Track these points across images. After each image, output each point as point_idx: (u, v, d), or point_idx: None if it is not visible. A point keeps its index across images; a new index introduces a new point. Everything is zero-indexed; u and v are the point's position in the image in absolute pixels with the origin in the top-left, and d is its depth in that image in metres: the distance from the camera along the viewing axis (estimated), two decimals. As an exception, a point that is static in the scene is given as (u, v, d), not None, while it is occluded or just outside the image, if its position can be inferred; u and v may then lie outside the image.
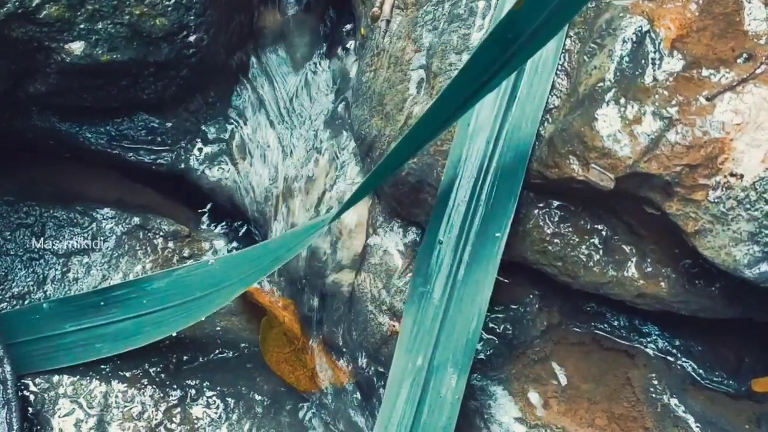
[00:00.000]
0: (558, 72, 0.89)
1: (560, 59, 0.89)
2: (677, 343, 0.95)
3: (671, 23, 0.81)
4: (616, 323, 0.97)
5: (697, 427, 0.91)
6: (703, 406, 0.92)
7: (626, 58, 0.81)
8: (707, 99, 0.78)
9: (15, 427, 0.87)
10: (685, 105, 0.78)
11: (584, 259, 0.89)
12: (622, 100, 0.80)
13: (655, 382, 0.93)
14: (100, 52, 1.01)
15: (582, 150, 0.81)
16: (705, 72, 0.79)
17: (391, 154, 0.85)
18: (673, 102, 0.78)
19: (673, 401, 0.92)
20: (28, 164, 1.17)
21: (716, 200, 0.77)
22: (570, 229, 0.89)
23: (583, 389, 0.94)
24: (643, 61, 0.81)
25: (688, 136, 0.77)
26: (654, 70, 0.80)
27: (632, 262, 0.88)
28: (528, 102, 0.89)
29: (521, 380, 0.96)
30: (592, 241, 0.89)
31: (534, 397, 0.94)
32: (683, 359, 0.95)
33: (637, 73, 0.81)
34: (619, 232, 0.88)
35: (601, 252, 0.89)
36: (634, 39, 0.81)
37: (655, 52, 0.80)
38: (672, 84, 0.79)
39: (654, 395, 0.93)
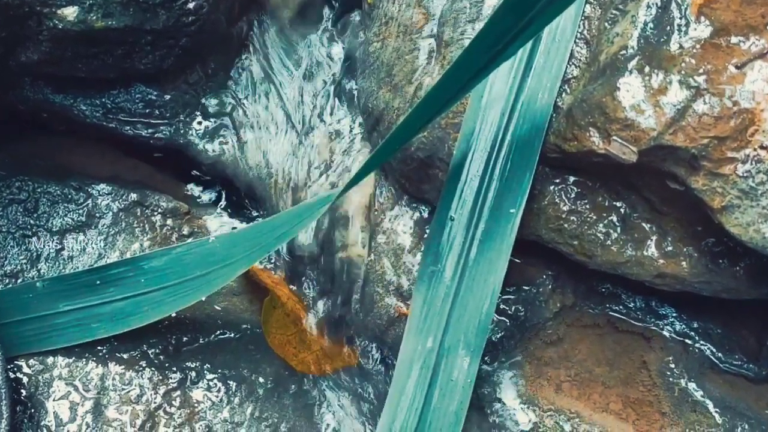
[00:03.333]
0: (577, 40, 0.86)
1: (579, 27, 0.86)
2: (695, 325, 0.94)
3: (698, -13, 0.78)
4: (631, 305, 0.96)
5: (715, 411, 0.90)
6: (722, 391, 0.91)
7: (650, 25, 0.78)
8: (736, 67, 0.75)
9: (5, 415, 0.85)
10: (714, 74, 0.75)
11: (602, 238, 0.87)
12: (647, 69, 0.77)
13: (672, 366, 0.92)
14: (94, 18, 0.98)
15: (603, 121, 0.78)
16: (734, 39, 0.76)
17: (400, 128, 0.82)
18: (701, 71, 0.75)
19: (691, 385, 0.91)
20: (19, 138, 1.14)
21: (745, 174, 0.74)
22: (587, 206, 0.87)
23: (597, 373, 0.93)
24: (668, 28, 0.77)
25: (716, 106, 0.74)
26: (680, 37, 0.77)
27: (652, 240, 0.85)
28: (545, 72, 0.86)
29: (533, 364, 0.94)
30: (610, 218, 0.87)
31: (546, 381, 0.93)
32: (701, 342, 0.94)
33: (662, 40, 0.77)
34: (638, 209, 0.86)
35: (619, 230, 0.86)
36: (659, 4, 0.78)
37: (681, 18, 0.77)
38: (699, 52, 0.76)
39: (671, 379, 0.91)
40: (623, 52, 0.79)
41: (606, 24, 0.83)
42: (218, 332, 1.03)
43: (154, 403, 0.96)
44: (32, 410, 0.93)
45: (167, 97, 1.13)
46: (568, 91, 0.85)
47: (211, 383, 0.98)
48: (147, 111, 1.13)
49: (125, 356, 0.98)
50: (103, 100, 1.12)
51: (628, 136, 0.77)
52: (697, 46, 0.76)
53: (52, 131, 1.16)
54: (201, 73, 1.14)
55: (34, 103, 1.12)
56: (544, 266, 0.95)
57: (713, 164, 0.75)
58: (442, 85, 0.77)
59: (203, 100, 1.16)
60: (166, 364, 0.98)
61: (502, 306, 0.93)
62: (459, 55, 0.74)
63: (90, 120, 1.13)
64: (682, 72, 0.76)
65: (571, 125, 0.81)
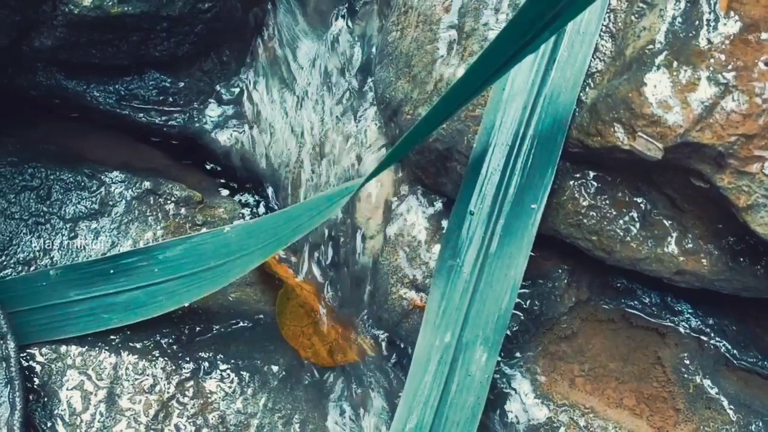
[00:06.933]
0: (602, 33, 0.84)
1: (604, 20, 0.84)
2: (710, 321, 0.94)
3: (727, -18, 0.76)
4: (647, 300, 0.95)
5: (730, 409, 0.89)
6: (736, 388, 0.91)
7: (679, 19, 0.77)
8: (766, 64, 0.73)
9: (18, 407, 0.84)
10: (743, 70, 0.74)
11: (621, 234, 0.86)
12: (675, 64, 0.76)
13: (687, 362, 0.91)
14: (110, 3, 0.97)
15: (628, 117, 0.77)
16: (764, 35, 0.74)
17: (424, 119, 0.81)
18: (730, 67, 0.74)
19: (706, 382, 0.91)
20: (32, 124, 1.13)
21: (772, 173, 0.73)
22: (607, 202, 0.86)
23: (611, 368, 0.92)
24: (697, 23, 0.76)
25: (744, 103, 0.73)
26: (709, 33, 0.75)
27: (672, 237, 0.84)
28: (568, 65, 0.84)
29: (547, 358, 0.93)
30: (630, 214, 0.86)
31: (560, 375, 0.92)
32: (716, 339, 0.93)
33: (690, 35, 0.76)
34: (659, 205, 0.85)
35: (639, 226, 0.85)
36: (688, -2, 0.77)
37: (710, 13, 0.76)
38: (728, 47, 0.75)
39: (686, 375, 0.91)
40: (650, 46, 0.77)
41: (632, 17, 0.82)
42: (231, 322, 1.02)
43: (168, 393, 0.94)
44: (45, 399, 0.92)
45: (181, 84, 1.12)
46: (592, 85, 0.84)
47: (224, 374, 0.97)
48: (161, 98, 1.12)
49: (138, 346, 0.97)
50: (117, 86, 1.11)
51: (654, 133, 0.76)
52: (727, 41, 0.75)
53: (64, 117, 1.15)
54: (215, 60, 1.13)
55: (46, 89, 1.11)
56: (560, 260, 0.95)
57: (740, 162, 0.74)
58: (468, 76, 0.75)
59: (217, 88, 1.15)
60: (179, 354, 0.97)
61: (517, 300, 0.92)
62: (487, 46, 0.73)
63: (103, 106, 1.12)
64: (711, 68, 0.74)
65: (595, 120, 0.80)
